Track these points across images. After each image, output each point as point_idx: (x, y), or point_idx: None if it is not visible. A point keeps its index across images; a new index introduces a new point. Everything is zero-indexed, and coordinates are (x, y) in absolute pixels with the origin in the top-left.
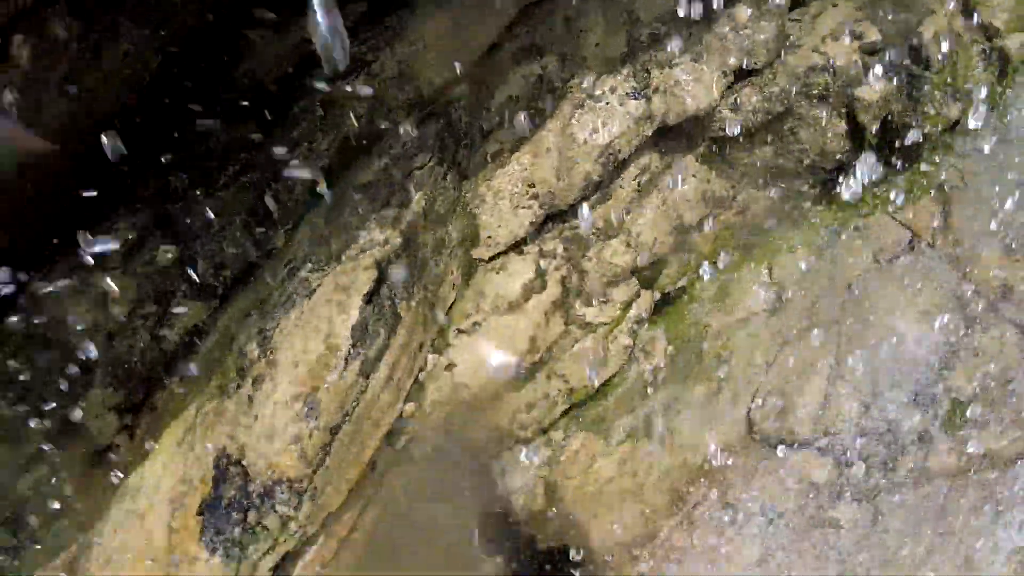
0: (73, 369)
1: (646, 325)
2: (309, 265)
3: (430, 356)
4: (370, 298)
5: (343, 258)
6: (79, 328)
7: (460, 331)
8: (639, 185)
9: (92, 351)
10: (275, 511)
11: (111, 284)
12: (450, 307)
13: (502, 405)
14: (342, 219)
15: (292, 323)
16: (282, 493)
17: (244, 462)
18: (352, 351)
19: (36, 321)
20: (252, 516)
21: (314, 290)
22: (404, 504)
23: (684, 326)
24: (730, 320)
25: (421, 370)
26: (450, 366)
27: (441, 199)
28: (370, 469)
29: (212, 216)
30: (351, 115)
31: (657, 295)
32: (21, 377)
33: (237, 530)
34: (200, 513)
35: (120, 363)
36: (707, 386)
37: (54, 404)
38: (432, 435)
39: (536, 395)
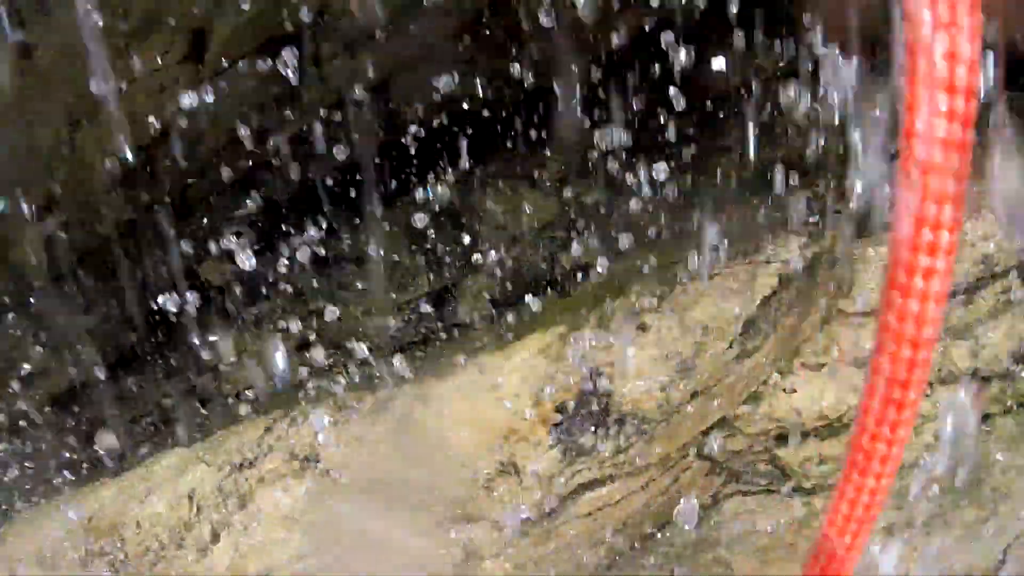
0: (462, 253)
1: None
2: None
3: (775, 374)
4: (765, 302)
5: (749, 260)
6: (487, 225)
7: (804, 364)
8: (998, 302)
9: (489, 245)
10: (616, 439)
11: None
12: (802, 341)
13: (806, 445)
14: (754, 226)
15: (690, 294)
16: (630, 427)
17: (611, 387)
18: (737, 339)
19: (450, 206)
20: (600, 432)
21: (712, 276)
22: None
23: (976, 452)
24: (1018, 461)
25: (764, 382)
26: (790, 391)
27: (840, 244)
28: (680, 448)
29: None
30: (786, 139)
31: None
32: (413, 247)
33: (584, 437)
34: (559, 411)
35: (510, 264)
36: (976, 513)
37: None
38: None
39: (833, 452)
